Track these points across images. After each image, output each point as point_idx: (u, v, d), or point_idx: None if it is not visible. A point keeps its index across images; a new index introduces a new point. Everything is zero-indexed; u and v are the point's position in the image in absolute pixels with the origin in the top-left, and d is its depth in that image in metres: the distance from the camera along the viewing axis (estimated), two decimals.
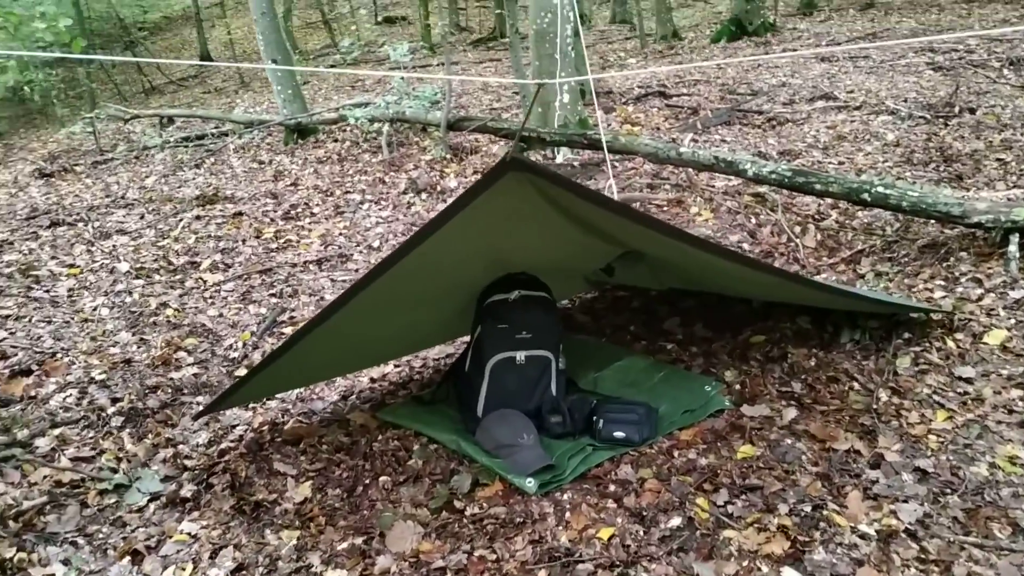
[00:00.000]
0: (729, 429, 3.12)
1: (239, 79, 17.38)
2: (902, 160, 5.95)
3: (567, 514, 2.66)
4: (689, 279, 3.66)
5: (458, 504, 2.75)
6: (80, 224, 6.67)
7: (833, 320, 3.74)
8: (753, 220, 5.17)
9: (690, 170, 5.86)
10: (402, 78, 8.17)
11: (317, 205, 6.50)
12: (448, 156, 6.99)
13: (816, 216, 5.09)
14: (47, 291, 5.13)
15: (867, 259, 4.50)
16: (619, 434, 3.00)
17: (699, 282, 3.73)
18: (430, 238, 2.23)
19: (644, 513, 2.65)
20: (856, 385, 3.34)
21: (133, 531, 2.73)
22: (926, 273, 4.16)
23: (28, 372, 3.95)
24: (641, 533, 2.57)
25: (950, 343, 3.51)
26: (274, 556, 2.57)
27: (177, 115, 10.84)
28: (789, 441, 3.00)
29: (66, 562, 2.55)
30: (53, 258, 5.84)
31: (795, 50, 11.27)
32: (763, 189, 5.45)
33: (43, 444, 3.22)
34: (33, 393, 3.74)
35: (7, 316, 4.75)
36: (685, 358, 3.70)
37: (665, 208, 5.51)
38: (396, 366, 3.87)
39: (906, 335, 3.61)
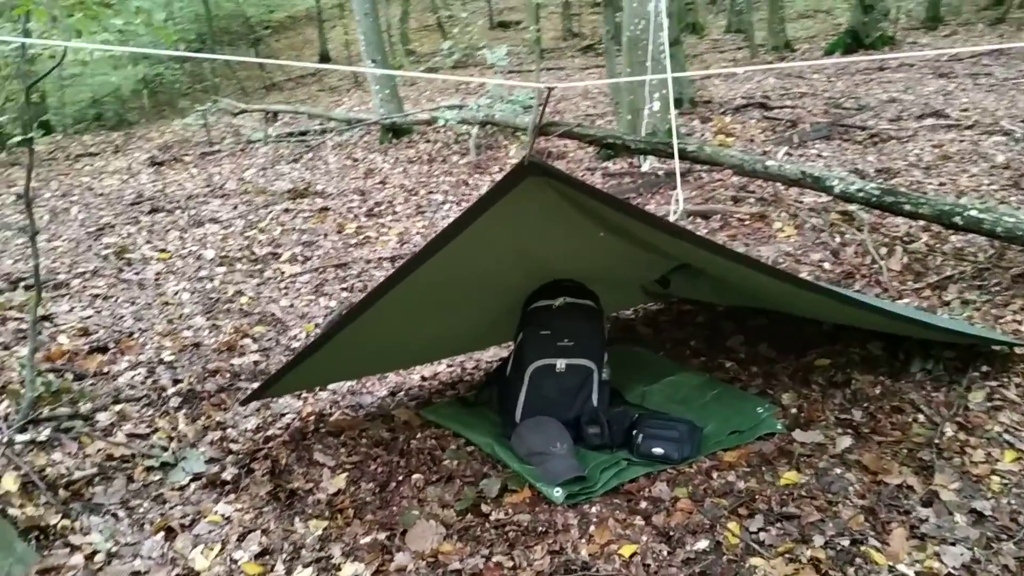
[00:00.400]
0: (777, 454, 3.01)
1: (353, 78, 17.82)
2: (1009, 184, 5.63)
3: (591, 527, 2.62)
4: (750, 296, 3.55)
5: (485, 508, 2.75)
6: (178, 212, 7.01)
7: (906, 348, 3.57)
8: (837, 239, 4.98)
9: (778, 185, 5.70)
10: (499, 84, 8.23)
11: (400, 204, 6.63)
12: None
13: (905, 238, 4.86)
14: (136, 274, 5.40)
15: (955, 286, 4.27)
16: (658, 451, 2.93)
17: (762, 300, 3.61)
18: (453, 241, 2.24)
19: (671, 533, 2.58)
20: (921, 417, 3.17)
21: (171, 508, 2.84)
22: (1017, 304, 3.93)
23: (105, 349, 4.17)
24: (665, 553, 2.50)
25: None
26: (299, 544, 2.62)
27: (282, 111, 11.25)
28: (838, 471, 2.87)
29: (105, 532, 2.67)
30: (148, 243, 6.15)
31: (901, 61, 10.81)
32: (852, 208, 5.24)
33: (103, 418, 3.39)
34: (106, 369, 3.95)
35: (97, 295, 5.03)
36: (743, 377, 3.59)
37: (747, 222, 5.37)
38: (448, 366, 3.90)
39: (984, 368, 3.42)
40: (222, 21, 24.48)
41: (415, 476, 2.94)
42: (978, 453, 2.93)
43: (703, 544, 2.53)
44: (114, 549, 2.63)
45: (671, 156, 5.88)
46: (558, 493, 2.72)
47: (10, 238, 6.48)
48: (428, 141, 8.57)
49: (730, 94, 10.18)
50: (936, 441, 2.98)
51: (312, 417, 3.42)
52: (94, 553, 2.59)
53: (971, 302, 4.05)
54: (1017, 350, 3.46)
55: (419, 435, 3.19)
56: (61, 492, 2.86)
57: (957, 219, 4.32)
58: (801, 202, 5.61)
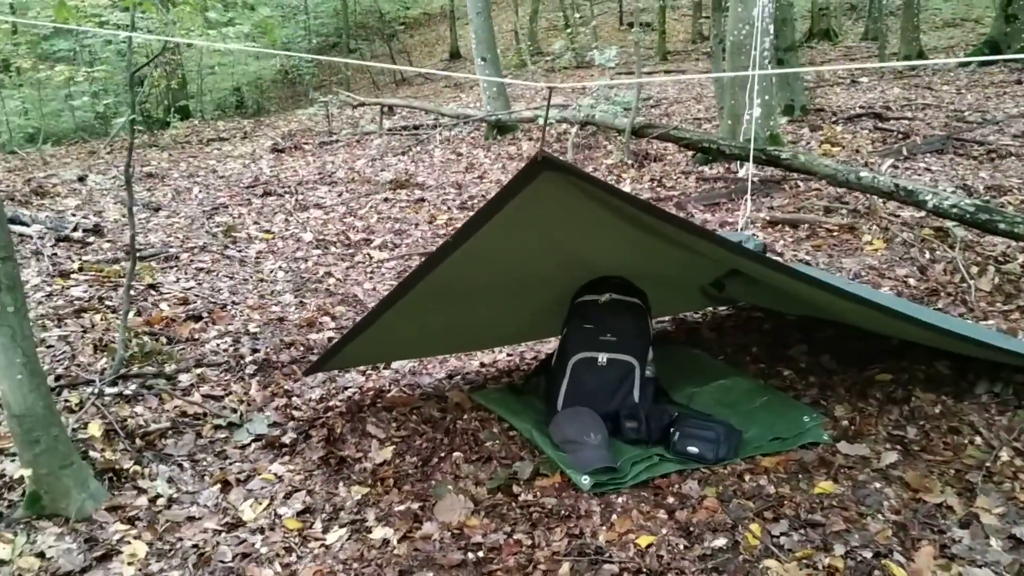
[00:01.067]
0: (817, 463, 3.01)
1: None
2: None
3: (613, 516, 2.70)
4: (808, 305, 3.52)
5: (516, 489, 2.86)
6: (287, 196, 7.41)
7: (975, 369, 3.48)
8: (927, 255, 4.84)
9: (875, 197, 5.56)
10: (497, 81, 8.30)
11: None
12: (630, 161, 7.05)
13: (1000, 258, 4.68)
14: (239, 251, 5.78)
15: None
16: (693, 449, 2.98)
17: (824, 311, 3.57)
18: (479, 232, 2.36)
19: (692, 529, 2.63)
20: (978, 439, 3.10)
21: (231, 464, 3.08)
22: None
23: (199, 318, 4.51)
24: (682, 547, 2.56)
25: None
26: (338, 506, 2.81)
27: (397, 105, 11.64)
28: (878, 485, 2.85)
29: (169, 480, 2.94)
30: (255, 223, 6.55)
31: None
32: (949, 224, 5.07)
33: (185, 379, 3.69)
34: (196, 336, 4.27)
35: (201, 269, 5.42)
36: (799, 387, 3.57)
37: (835, 233, 5.28)
38: (508, 355, 4.04)
39: None
40: (359, 17, 25.42)
41: (456, 454, 3.08)
42: None
43: (721, 542, 2.57)
44: (175, 495, 2.88)
45: (764, 162, 5.85)
46: (586, 481, 2.81)
47: (135, 212, 7.02)
48: (531, 139, 8.74)
49: (850, 103, 9.91)
50: (988, 464, 2.92)
51: (371, 392, 3.62)
52: (157, 497, 2.85)
53: None
54: None
55: (466, 416, 3.34)
56: (137, 441, 3.15)
57: None
58: (896, 216, 5.46)
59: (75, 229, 6.27)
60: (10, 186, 8.47)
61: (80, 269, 5.36)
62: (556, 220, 2.58)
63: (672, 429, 3.06)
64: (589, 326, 3.11)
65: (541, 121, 7.97)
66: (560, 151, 7.90)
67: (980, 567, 2.45)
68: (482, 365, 3.95)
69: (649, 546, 2.56)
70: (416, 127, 10.42)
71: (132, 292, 4.93)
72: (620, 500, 2.80)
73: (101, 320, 4.42)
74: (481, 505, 2.78)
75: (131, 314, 4.55)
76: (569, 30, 19.01)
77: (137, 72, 3.97)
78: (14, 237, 6.11)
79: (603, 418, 3.08)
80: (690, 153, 7.20)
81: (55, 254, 5.75)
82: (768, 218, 5.54)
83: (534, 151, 8.09)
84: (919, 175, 6.44)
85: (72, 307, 4.60)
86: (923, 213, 5.23)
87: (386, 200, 7.05)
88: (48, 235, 6.09)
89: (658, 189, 6.39)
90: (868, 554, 2.51)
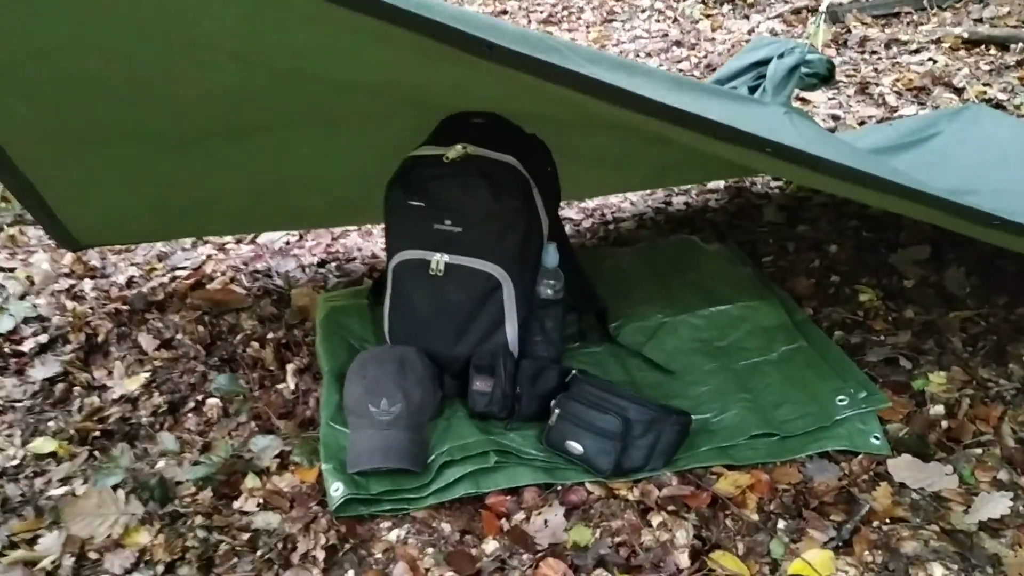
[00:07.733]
0: (834, 499, 1.56)
1: None
2: None
3: (351, 572, 1.44)
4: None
5: (249, 483, 1.65)
6: None
7: None
8: None
9: None
10: None
11: (594, 8, 5.16)
12: None
13: None
14: None
15: None
16: (575, 447, 1.59)
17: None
18: None
19: None
20: None
21: None
22: None
23: None
24: None
25: None
26: None
27: None
28: (939, 572, 1.37)
29: None
30: None
31: None
32: None
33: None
34: None
35: None
36: (878, 327, 2.00)
37: None
38: None
39: None
40: None
41: (212, 400, 1.91)
42: None
43: None
44: None
45: None
46: (336, 491, 1.54)
47: None
48: None
49: None
50: None
51: (193, 279, 2.46)
52: None
53: None
54: None
55: (273, 335, 2.12)
56: None
57: None
58: None
59: None
60: None
61: None
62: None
63: (553, 403, 1.67)
64: (417, 203, 1.70)
65: None
66: None
67: None
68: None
69: None
70: None
71: None
72: (394, 534, 1.52)
73: None
74: (159, 513, 1.60)
75: None
76: None
77: None
78: None
79: (445, 367, 1.75)
80: None
81: None
82: (965, 34, 3.60)
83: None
84: None
85: None
86: None
87: None
88: None
89: None
90: None
